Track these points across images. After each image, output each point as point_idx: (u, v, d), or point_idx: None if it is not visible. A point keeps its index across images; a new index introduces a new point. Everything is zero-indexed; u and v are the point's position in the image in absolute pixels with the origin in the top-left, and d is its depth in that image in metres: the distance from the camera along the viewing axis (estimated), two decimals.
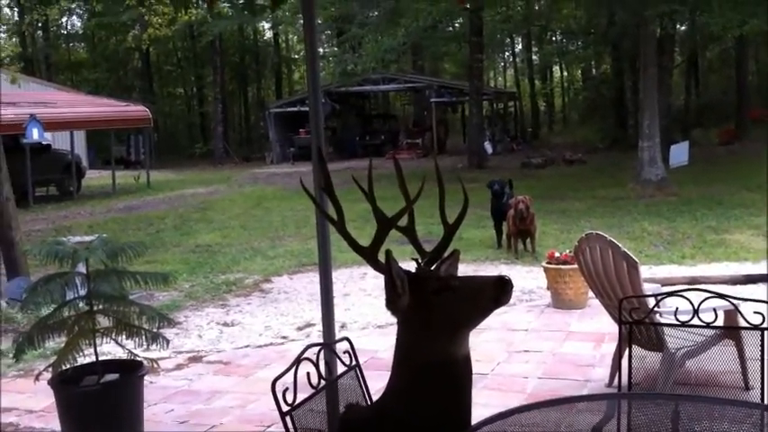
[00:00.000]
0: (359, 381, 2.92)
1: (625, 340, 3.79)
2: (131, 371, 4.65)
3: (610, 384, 5.40)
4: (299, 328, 7.60)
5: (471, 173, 22.28)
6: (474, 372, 5.90)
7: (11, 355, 6.31)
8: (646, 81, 16.86)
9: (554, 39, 39.82)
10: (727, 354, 5.48)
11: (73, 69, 44.97)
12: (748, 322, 3.35)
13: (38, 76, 35.43)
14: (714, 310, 3.38)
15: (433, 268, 2.77)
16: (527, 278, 9.13)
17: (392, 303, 2.58)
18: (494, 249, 11.10)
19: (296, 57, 48.27)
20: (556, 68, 48.18)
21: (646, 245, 10.95)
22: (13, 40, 44.57)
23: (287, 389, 2.52)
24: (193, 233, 14.19)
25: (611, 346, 5.87)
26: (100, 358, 4.57)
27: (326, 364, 2.79)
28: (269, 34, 44.29)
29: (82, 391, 4.50)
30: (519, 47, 46.55)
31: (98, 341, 4.56)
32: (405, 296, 2.56)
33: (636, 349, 5.08)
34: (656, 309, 4.48)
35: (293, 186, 21.54)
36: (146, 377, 5.99)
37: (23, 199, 19.46)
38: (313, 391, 2.69)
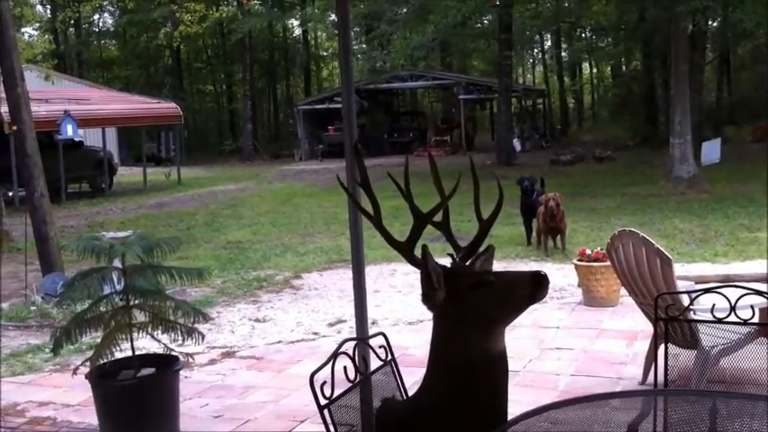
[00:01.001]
0: (395, 375, 2.94)
1: (660, 337, 3.77)
2: (167, 365, 4.70)
3: (643, 382, 5.38)
4: (330, 324, 7.64)
5: (500, 170, 22.15)
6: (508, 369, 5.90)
7: (47, 350, 6.45)
8: (677, 77, 16.70)
9: (583, 35, 39.56)
10: (762, 352, 5.44)
11: (104, 66, 45.43)
12: None
13: (70, 74, 35.87)
14: (752, 307, 3.36)
15: (468, 264, 2.79)
16: (557, 275, 9.09)
17: (428, 298, 2.60)
18: (523, 247, 11.07)
19: (324, 54, 48.42)
20: (585, 65, 47.85)
21: (678, 242, 10.86)
22: (46, 37, 45.10)
23: (324, 383, 2.54)
24: (224, 229, 14.30)
25: (643, 344, 5.84)
26: (136, 353, 4.63)
27: (362, 358, 2.81)
28: (298, 31, 44.39)
29: (119, 386, 4.56)
30: (548, 43, 46.34)
31: (134, 336, 4.62)
32: (441, 291, 2.58)
33: (670, 347, 5.07)
34: (690, 306, 4.47)
35: (322, 183, 21.63)
36: (180, 372, 6.09)
37: (56, 195, 19.70)
38: (350, 385, 2.71)
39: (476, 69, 44.58)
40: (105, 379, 4.57)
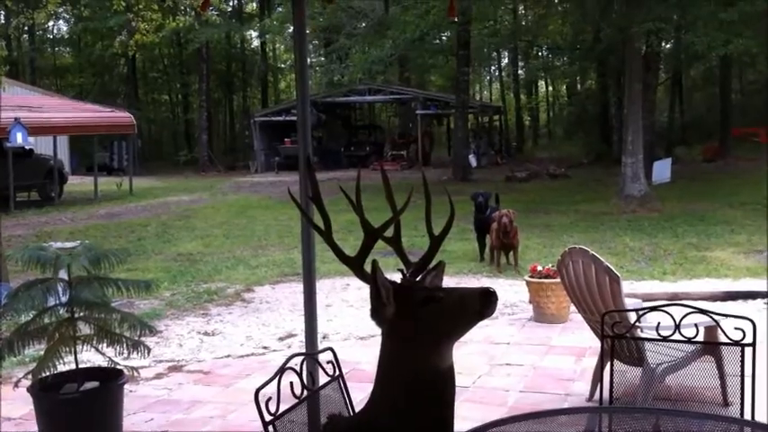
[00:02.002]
0: (342, 391, 2.92)
1: (607, 354, 3.80)
2: (111, 379, 4.62)
3: (590, 398, 5.42)
4: (281, 339, 7.58)
5: (455, 185, 22.31)
6: (457, 385, 5.90)
7: None
8: (631, 98, 16.98)
9: (540, 54, 40.07)
10: (707, 370, 5.52)
11: (58, 74, 44.76)
12: (729, 338, 3.37)
13: (23, 80, 35.22)
14: (696, 325, 3.40)
15: (418, 279, 2.78)
16: (509, 292, 9.14)
17: (377, 313, 2.58)
18: (476, 262, 11.11)
19: (282, 66, 48.28)
20: (541, 83, 48.43)
21: (627, 260, 11.00)
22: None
23: (270, 398, 2.51)
24: (175, 241, 14.13)
25: (591, 361, 5.89)
26: (80, 366, 4.54)
27: (310, 374, 2.78)
28: (256, 43, 44.24)
29: (61, 399, 4.47)
30: (505, 61, 46.81)
31: (78, 348, 4.53)
32: (390, 306, 2.57)
33: (616, 364, 5.11)
34: (637, 324, 4.51)
35: (277, 196, 21.51)
36: (125, 386, 5.98)
37: (5, 204, 19.34)
38: (296, 401, 2.68)
39: (434, 85, 44.83)
40: (47, 392, 4.47)
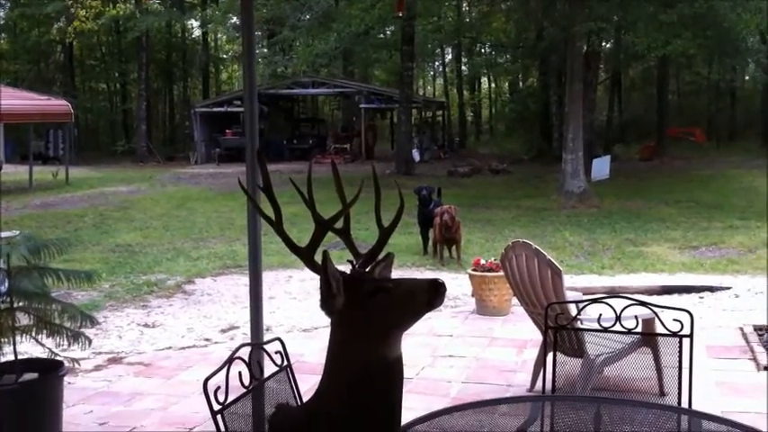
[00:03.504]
0: (290, 382, 2.92)
1: (549, 345, 3.87)
2: (51, 370, 4.53)
3: (531, 389, 5.51)
4: (223, 331, 7.53)
5: (399, 179, 22.37)
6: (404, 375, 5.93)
7: None
8: (572, 96, 17.25)
9: (483, 51, 40.38)
10: (645, 361, 5.67)
11: None
12: (667, 329, 3.46)
13: None
14: (636, 317, 3.48)
15: (367, 270, 2.79)
16: (452, 285, 9.20)
17: (327, 304, 2.58)
18: (420, 256, 11.19)
19: (224, 57, 47.75)
20: (484, 80, 48.82)
21: (567, 255, 11.19)
22: None
23: (218, 388, 2.50)
24: (113, 232, 13.91)
25: (532, 352, 5.98)
26: (19, 357, 4.44)
27: (258, 363, 2.77)
28: (198, 32, 43.67)
29: None
30: (449, 57, 47.05)
31: (18, 339, 4.44)
32: (340, 297, 2.57)
33: (559, 355, 5.22)
34: (578, 316, 4.60)
35: (218, 187, 21.30)
36: (64, 378, 5.88)
37: None
38: (244, 391, 2.67)
39: (377, 79, 44.84)
40: None
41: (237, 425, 2.63)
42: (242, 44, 4.10)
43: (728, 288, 8.86)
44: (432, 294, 2.56)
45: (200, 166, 29.77)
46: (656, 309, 3.48)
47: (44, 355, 4.56)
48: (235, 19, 40.40)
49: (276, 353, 2.91)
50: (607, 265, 10.38)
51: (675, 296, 8.50)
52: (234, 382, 2.62)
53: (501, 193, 19.45)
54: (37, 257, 4.41)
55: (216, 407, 2.47)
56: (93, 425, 5.00)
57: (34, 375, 4.48)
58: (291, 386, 2.91)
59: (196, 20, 36.95)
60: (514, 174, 25.18)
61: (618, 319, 3.38)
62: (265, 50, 31.20)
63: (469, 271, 8.00)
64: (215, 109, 32.42)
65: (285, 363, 2.92)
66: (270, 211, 2.84)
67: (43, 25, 35.06)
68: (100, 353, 6.73)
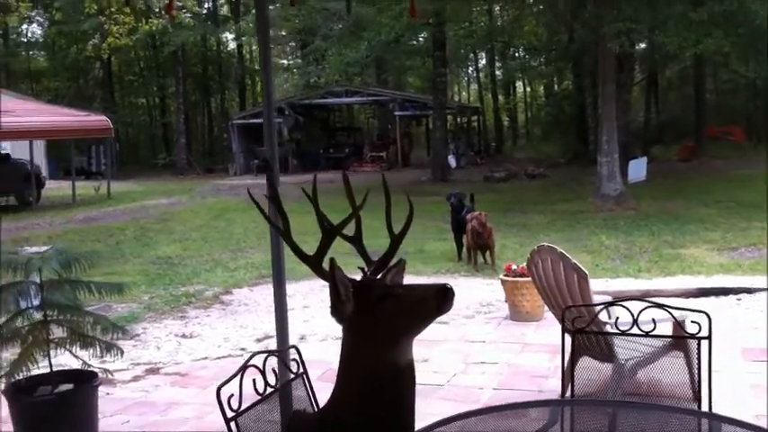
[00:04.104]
0: (306, 389, 2.97)
1: (575, 350, 3.87)
2: (85, 381, 4.64)
3: (563, 395, 5.49)
4: (258, 340, 7.61)
5: (434, 186, 22.44)
6: (430, 382, 6.00)
7: None
8: (604, 98, 17.14)
9: (517, 54, 40.24)
10: (677, 365, 5.62)
11: (33, 78, 44.41)
12: (685, 331, 3.46)
13: None
14: (673, 319, 3.47)
15: (379, 277, 2.83)
16: (486, 291, 9.23)
17: (336, 311, 2.64)
18: (454, 262, 11.19)
19: (259, 68, 48.16)
20: (519, 84, 48.64)
21: (603, 258, 11.12)
22: None
23: (232, 395, 2.56)
24: (154, 244, 14.12)
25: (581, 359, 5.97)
26: (55, 369, 4.56)
27: (274, 371, 2.83)
28: (232, 45, 44.17)
29: (35, 401, 4.49)
30: (483, 62, 46.97)
31: (53, 352, 4.56)
32: (349, 303, 2.62)
33: (589, 360, 5.21)
34: (606, 320, 4.59)
35: (256, 198, 21.48)
36: (102, 388, 5.99)
37: None
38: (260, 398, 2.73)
39: (411, 86, 44.93)
40: (22, 394, 4.49)
41: (257, 429, 2.69)
42: (260, 58, 4.18)
43: (766, 289, 8.73)
44: (440, 300, 2.60)
45: (239, 178, 30.06)
46: (673, 311, 3.47)
47: (80, 367, 4.66)
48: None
49: (292, 360, 2.97)
50: (644, 269, 10.29)
51: (712, 298, 8.40)
52: (251, 390, 2.68)
53: (537, 198, 19.38)
54: (68, 271, 4.52)
55: (229, 414, 2.53)
56: None
57: (69, 386, 4.60)
58: (308, 393, 2.97)
59: (230, 33, 37.36)
60: (551, 178, 25.06)
61: (635, 321, 3.38)
62: (299, 61, 31.46)
63: (501, 276, 8.00)
64: (251, 120, 32.72)
65: (301, 370, 2.98)
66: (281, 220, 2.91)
67: (81, 42, 35.75)
68: (138, 363, 6.84)
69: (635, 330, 3.41)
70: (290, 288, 6.93)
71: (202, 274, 11.03)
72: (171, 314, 8.77)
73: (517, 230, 14.03)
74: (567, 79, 37.13)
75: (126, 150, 41.55)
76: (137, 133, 45.42)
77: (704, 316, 3.39)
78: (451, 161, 28.37)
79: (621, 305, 3.42)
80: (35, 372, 4.61)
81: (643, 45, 25.52)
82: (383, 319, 2.60)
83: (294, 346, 3.04)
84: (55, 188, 25.70)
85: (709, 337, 3.36)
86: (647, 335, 3.44)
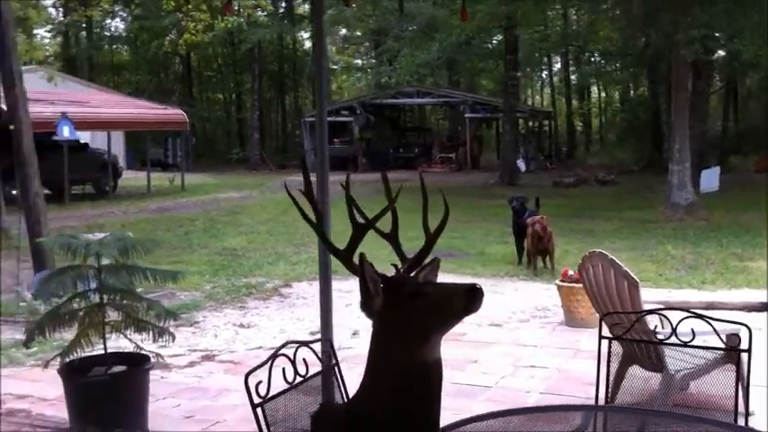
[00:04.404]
0: (337, 380, 3.04)
1: (614, 356, 3.86)
2: (138, 364, 4.80)
3: (612, 401, 5.44)
4: (313, 333, 7.70)
5: (502, 189, 22.35)
6: (478, 383, 6.00)
7: (33, 346, 6.56)
8: (678, 105, 16.83)
9: (592, 59, 39.72)
10: (728, 378, 5.52)
11: (115, 71, 45.73)
12: (725, 344, 3.41)
13: (80, 77, 36.11)
14: (692, 330, 3.44)
15: (412, 275, 2.87)
16: (544, 295, 9.17)
17: (366, 306, 2.68)
18: (514, 265, 11.14)
19: (335, 67, 48.71)
20: (594, 89, 48.00)
21: (667, 268, 10.93)
22: (58, 39, 45.46)
23: (260, 382, 2.65)
24: (221, 236, 14.42)
25: (617, 365, 5.90)
26: (109, 351, 4.73)
27: (304, 361, 2.90)
28: (308, 44, 44.68)
29: (89, 381, 4.66)
30: (558, 66, 46.49)
31: (109, 335, 4.73)
32: (378, 299, 2.66)
33: (638, 369, 5.17)
34: (659, 330, 4.54)
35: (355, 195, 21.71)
36: (158, 372, 6.20)
37: (60, 196, 19.90)
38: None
39: (485, 89, 44.75)
40: (76, 374, 4.67)
41: (286, 417, 2.76)
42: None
43: None
44: (469, 299, 2.61)
45: (310, 174, 30.38)
46: (712, 321, 3.42)
47: (138, 351, 4.82)
48: (344, 31, 41.20)
49: (324, 353, 3.04)
50: (708, 280, 10.07)
51: None
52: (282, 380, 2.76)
53: (606, 204, 19.11)
54: (125, 257, 4.68)
55: (256, 400, 2.61)
56: (178, 417, 5.26)
57: (123, 368, 4.77)
58: (338, 385, 3.03)
59: (306, 31, 37.81)
60: (623, 185, 24.68)
61: (674, 331, 3.36)
62: (373, 61, 31.67)
63: (557, 282, 7.95)
64: None
65: (333, 362, 3.04)
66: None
67: (161, 37, 36.63)
68: (195, 350, 7.03)
69: (673, 340, 3.37)
70: (348, 284, 7.04)
71: (264, 267, 11.23)
72: (231, 304, 8.97)
73: (582, 236, 13.87)
74: (643, 85, 36.51)
75: (202, 144, 42.45)
76: (213, 128, 46.37)
77: (745, 329, 3.34)
78: (521, 165, 28.19)
79: (660, 314, 3.39)
80: (91, 354, 4.78)
81: (722, 53, 24.96)
82: (413, 316, 2.63)
83: (328, 339, 3.11)
84: (132, 178, 26.44)
85: (749, 351, 3.31)
86: (685, 345, 3.41)
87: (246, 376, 2.63)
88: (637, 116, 34.52)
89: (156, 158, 30.87)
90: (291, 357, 2.79)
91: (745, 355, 3.43)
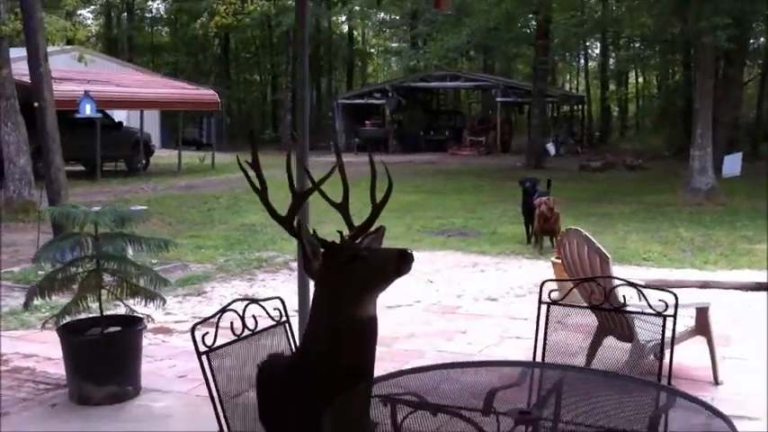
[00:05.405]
0: (287, 337, 3.33)
1: (590, 327, 4.10)
2: (131, 325, 5.14)
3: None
4: None
5: (527, 172, 22.39)
6: (462, 352, 6.28)
7: (44, 309, 6.98)
8: (702, 91, 16.83)
9: (631, 44, 39.33)
10: (699, 349, 5.75)
11: (154, 52, 46.42)
12: (652, 308, 3.64)
13: (121, 57, 36.78)
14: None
15: (357, 241, 3.14)
16: (545, 273, 9.30)
17: (307, 268, 2.98)
18: (522, 244, 11.35)
19: (372, 50, 48.93)
20: (632, 75, 47.56)
21: (674, 249, 11.06)
22: (100, 20, 46.27)
23: (206, 333, 2.95)
24: (242, 213, 14.79)
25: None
26: (105, 314, 5.07)
27: (253, 317, 3.19)
28: (345, 28, 44.98)
29: (85, 340, 5.01)
30: (597, 51, 46.09)
31: (115, 304, 5.06)
32: (317, 261, 2.95)
33: (613, 340, 5.44)
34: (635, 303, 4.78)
35: (350, 175, 21.95)
36: (160, 336, 6.56)
37: (92, 173, 20.48)
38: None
39: (520, 73, 44.64)
40: (74, 334, 5.03)
41: (228, 368, 3.06)
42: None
43: None
44: (400, 262, 2.89)
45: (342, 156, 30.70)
46: (642, 289, 3.66)
47: (136, 315, 5.17)
48: (381, 14, 41.34)
49: (275, 309, 3.34)
50: (711, 261, 10.20)
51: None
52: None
53: (628, 189, 19.16)
54: (121, 226, 5.01)
55: (202, 348, 2.92)
56: (172, 376, 5.60)
57: (117, 328, 5.11)
58: (288, 340, 3.33)
59: (343, 15, 38.07)
60: (650, 170, 24.62)
61: (624, 304, 3.60)
62: (405, 45, 31.84)
63: (552, 259, 8.17)
64: (356, 101, 33.35)
65: (284, 318, 3.34)
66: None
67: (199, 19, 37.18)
68: (198, 317, 7.37)
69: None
70: None
71: (278, 242, 11.54)
72: (240, 276, 9.31)
73: (597, 219, 14.00)
74: (679, 72, 36.16)
75: (237, 124, 42.98)
76: (249, 108, 46.88)
77: (671, 296, 3.57)
78: (551, 149, 28.22)
79: (639, 287, 3.65)
80: (88, 317, 5.13)
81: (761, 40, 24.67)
82: (348, 278, 2.91)
83: (279, 297, 3.40)
84: (166, 156, 26.96)
85: (674, 317, 3.54)
86: (617, 309, 3.66)
87: (193, 328, 2.93)
88: (672, 102, 34.24)
89: (191, 138, 31.45)
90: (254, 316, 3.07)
91: (670, 321, 3.64)
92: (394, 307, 7.79)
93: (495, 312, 7.60)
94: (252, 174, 3.17)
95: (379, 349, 6.55)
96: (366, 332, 2.97)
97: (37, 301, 5.05)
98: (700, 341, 5.71)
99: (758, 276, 9.12)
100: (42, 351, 6.08)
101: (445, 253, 10.93)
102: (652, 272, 9.44)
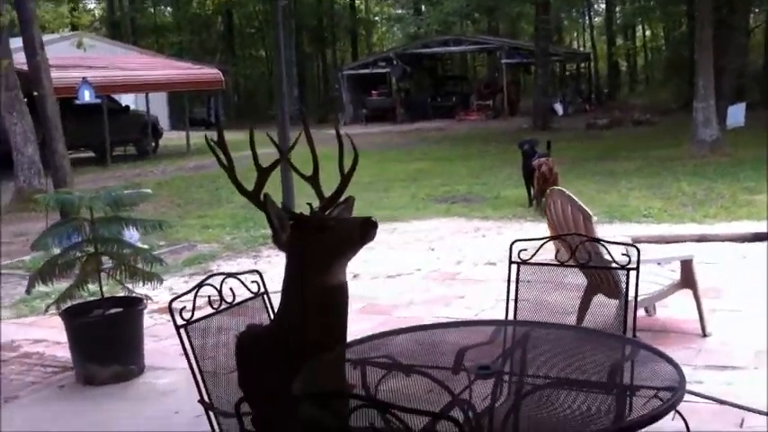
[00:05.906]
0: (266, 308, 3.49)
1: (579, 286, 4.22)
2: (133, 305, 5.33)
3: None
4: None
5: (533, 134, 22.38)
6: (459, 317, 6.44)
7: (53, 296, 7.17)
8: (701, 41, 16.71)
9: None
10: (686, 302, 5.87)
11: (158, 33, 46.41)
12: (616, 262, 3.77)
13: (125, 40, 36.85)
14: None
15: (327, 212, 3.28)
16: (546, 234, 9.48)
17: (275, 239, 3.13)
18: (524, 207, 11.44)
19: (376, 19, 48.71)
20: (638, 28, 47.11)
21: (674, 205, 11.12)
22: (102, 4, 46.29)
23: (184, 308, 3.11)
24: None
25: (595, 296, 6.24)
26: (106, 296, 5.26)
27: (231, 290, 3.35)
28: None
29: (88, 321, 5.20)
30: (603, 6, 45.69)
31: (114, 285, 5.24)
32: (285, 233, 3.09)
33: (602, 297, 5.57)
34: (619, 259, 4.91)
35: (359, 148, 22.09)
36: (165, 316, 6.73)
37: (102, 158, 20.70)
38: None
39: (526, 33, 44.34)
40: (76, 316, 5.22)
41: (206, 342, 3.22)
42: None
43: None
44: (364, 230, 3.04)
45: (348, 127, 30.66)
46: (606, 244, 3.79)
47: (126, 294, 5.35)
48: None
49: (252, 282, 3.49)
50: (710, 214, 10.26)
51: (766, 243, 8.40)
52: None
53: (634, 145, 19.16)
54: (116, 209, 5.17)
55: (180, 322, 3.08)
56: (174, 354, 5.75)
57: (119, 309, 5.30)
58: (268, 312, 3.49)
59: None
60: (658, 124, 24.58)
61: (589, 258, 3.72)
62: (404, 11, 31.70)
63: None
64: (361, 71, 33.32)
65: (262, 290, 3.49)
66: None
67: None
68: (202, 296, 7.55)
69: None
70: None
71: None
72: (246, 253, 9.48)
73: (601, 177, 14.07)
74: (685, 22, 35.81)
75: (245, 101, 43.06)
76: (255, 84, 46.87)
77: (634, 250, 3.70)
78: (558, 108, 28.17)
79: (632, 245, 3.77)
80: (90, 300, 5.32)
81: None
82: (316, 247, 3.06)
83: (256, 271, 3.55)
84: (175, 138, 27.12)
85: (637, 269, 3.67)
86: (583, 266, 3.79)
87: (170, 303, 3.09)
88: (679, 54, 34.00)
89: (200, 117, 31.56)
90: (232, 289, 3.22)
91: (633, 274, 3.77)
92: (394, 276, 7.95)
93: (493, 276, 7.71)
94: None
95: (377, 318, 6.81)
96: (337, 298, 3.11)
97: (40, 287, 5.22)
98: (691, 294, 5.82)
99: (757, 227, 9.19)
100: (51, 336, 6.28)
101: (449, 220, 11.05)
102: (651, 228, 9.54)
